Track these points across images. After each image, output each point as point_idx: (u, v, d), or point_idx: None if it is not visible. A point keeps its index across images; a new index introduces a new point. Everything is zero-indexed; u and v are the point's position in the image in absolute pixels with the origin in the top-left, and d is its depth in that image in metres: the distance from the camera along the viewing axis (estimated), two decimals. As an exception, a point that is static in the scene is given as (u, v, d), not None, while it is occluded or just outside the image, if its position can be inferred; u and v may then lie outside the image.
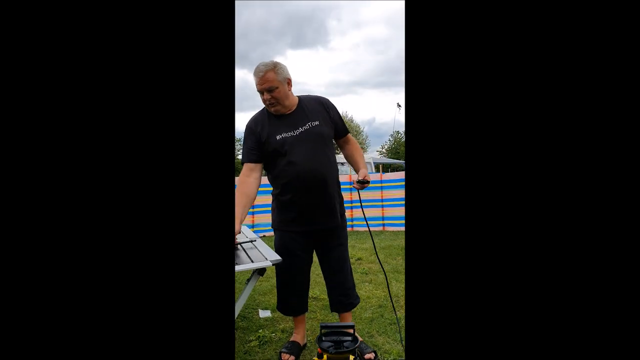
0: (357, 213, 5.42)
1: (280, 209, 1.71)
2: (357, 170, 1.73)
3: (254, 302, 2.49)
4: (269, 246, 1.76)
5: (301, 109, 1.65)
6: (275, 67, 1.55)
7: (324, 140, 1.63)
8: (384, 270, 1.80)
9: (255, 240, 1.85)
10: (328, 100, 1.73)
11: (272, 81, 1.54)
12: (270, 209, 1.83)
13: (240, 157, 1.77)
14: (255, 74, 1.56)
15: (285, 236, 1.71)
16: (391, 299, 1.78)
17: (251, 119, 1.69)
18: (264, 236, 4.79)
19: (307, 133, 1.60)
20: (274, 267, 1.53)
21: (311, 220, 1.64)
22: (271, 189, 1.75)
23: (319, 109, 1.66)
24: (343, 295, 1.74)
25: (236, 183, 1.62)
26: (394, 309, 1.86)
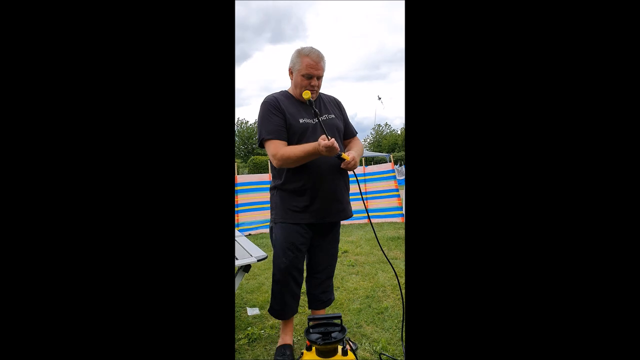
0: (342, 207, 5.44)
1: (286, 199, 1.62)
2: None
3: (242, 301, 2.48)
4: (255, 244, 1.76)
5: (319, 101, 1.70)
6: (324, 58, 1.60)
7: (338, 133, 1.67)
8: (388, 260, 1.75)
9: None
10: (341, 102, 1.81)
11: (323, 70, 1.60)
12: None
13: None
14: (313, 57, 1.55)
15: (290, 228, 1.61)
16: (400, 287, 1.80)
17: (271, 97, 1.63)
18: (250, 234, 4.77)
19: (325, 123, 1.63)
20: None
21: (323, 210, 1.60)
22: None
23: (334, 106, 1.74)
24: (323, 293, 1.74)
25: (279, 157, 1.52)
26: (403, 298, 1.88)
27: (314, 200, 1.59)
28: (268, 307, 1.75)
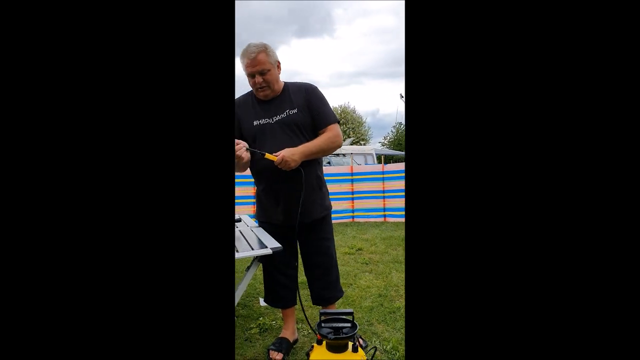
0: (358, 204, 5.43)
1: (258, 200, 1.70)
2: None
3: (255, 291, 2.51)
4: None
5: (284, 95, 1.57)
6: (266, 49, 1.48)
7: (299, 130, 1.54)
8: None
9: (239, 220, 1.94)
10: (312, 89, 1.60)
11: (264, 63, 1.47)
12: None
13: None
14: (246, 55, 1.48)
15: (266, 227, 1.70)
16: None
17: (235, 100, 1.64)
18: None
19: (283, 122, 1.53)
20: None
21: (285, 213, 1.59)
22: None
23: (300, 97, 1.57)
24: (323, 289, 1.69)
25: None
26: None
27: (278, 202, 1.60)
28: None
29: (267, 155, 1.44)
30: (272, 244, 1.50)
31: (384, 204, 5.38)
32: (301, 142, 1.53)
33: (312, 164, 1.60)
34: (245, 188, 5.11)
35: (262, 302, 2.26)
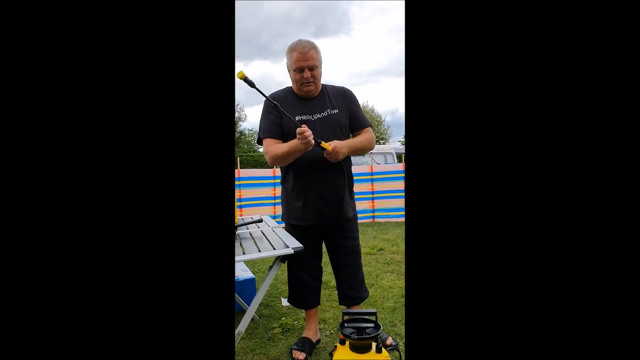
0: (378, 204, 5.38)
1: (287, 199, 1.69)
2: None
3: (277, 291, 2.52)
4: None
5: (323, 95, 1.63)
6: (315, 47, 1.54)
7: (340, 130, 1.60)
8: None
9: (261, 221, 1.95)
10: (350, 92, 1.70)
11: (314, 59, 1.53)
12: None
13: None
14: (299, 49, 1.51)
15: (291, 227, 1.70)
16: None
17: (271, 95, 1.64)
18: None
19: (324, 120, 1.58)
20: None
21: (316, 212, 1.60)
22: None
23: (340, 99, 1.64)
24: (351, 289, 1.69)
25: (269, 155, 1.57)
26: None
27: (307, 201, 1.59)
28: None
29: (323, 144, 1.47)
30: (293, 243, 1.51)
31: (405, 203, 5.32)
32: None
33: (348, 162, 1.65)
34: (266, 189, 5.16)
35: (284, 302, 2.27)
